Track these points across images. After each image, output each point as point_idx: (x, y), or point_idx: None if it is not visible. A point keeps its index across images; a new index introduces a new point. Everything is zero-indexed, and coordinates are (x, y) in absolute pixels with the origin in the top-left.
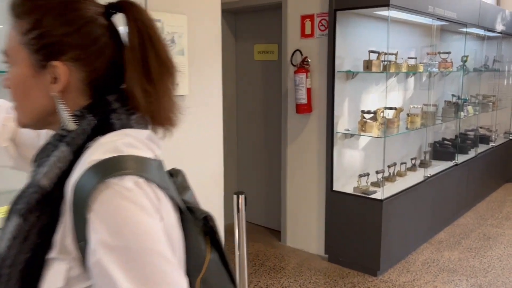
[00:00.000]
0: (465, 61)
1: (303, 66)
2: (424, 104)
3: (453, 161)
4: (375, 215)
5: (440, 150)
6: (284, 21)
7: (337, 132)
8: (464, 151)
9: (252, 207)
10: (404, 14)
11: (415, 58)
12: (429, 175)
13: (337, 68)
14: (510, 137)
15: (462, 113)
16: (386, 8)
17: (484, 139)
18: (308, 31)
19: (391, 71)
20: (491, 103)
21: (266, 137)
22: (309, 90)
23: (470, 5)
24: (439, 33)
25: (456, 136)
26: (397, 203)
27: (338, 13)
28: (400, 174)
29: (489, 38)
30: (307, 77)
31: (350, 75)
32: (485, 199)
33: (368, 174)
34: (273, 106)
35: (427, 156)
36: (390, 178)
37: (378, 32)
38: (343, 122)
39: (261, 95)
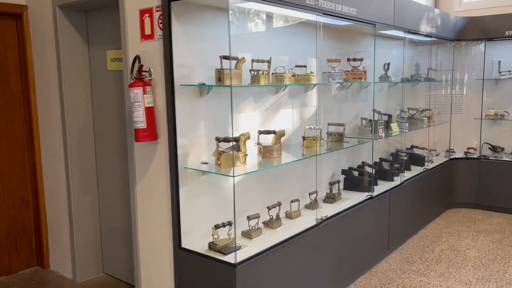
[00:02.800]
0: (387, 69)
1: (140, 78)
2: (330, 124)
3: (367, 193)
4: (228, 286)
5: (354, 179)
6: (122, 18)
7: (185, 168)
8: (388, 178)
9: (112, 258)
10: (270, 6)
11: (305, 66)
12: (323, 217)
13: (179, 81)
14: (452, 156)
15: (381, 132)
16: None
17: (419, 160)
18: (148, 30)
19: (259, 83)
20: (426, 118)
21: (123, 171)
22: (149, 110)
23: (378, 0)
24: (346, 35)
25: (382, 159)
26: (266, 264)
27: (174, 4)
28: (290, 216)
29: (421, 43)
30: (144, 93)
31: (205, 89)
32: (418, 233)
33: (229, 224)
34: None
35: (335, 188)
36: (271, 224)
37: (242, 32)
38: (198, 152)
39: (116, 116)
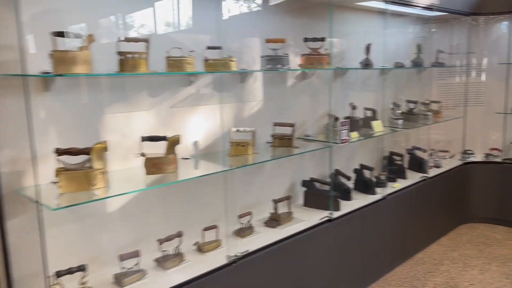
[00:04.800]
0: (368, 51)
1: None
2: (276, 124)
3: (327, 213)
4: None
5: (316, 193)
6: None
7: (20, 192)
8: (369, 190)
9: None
10: None
11: (219, 48)
12: (239, 254)
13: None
14: (469, 159)
15: (345, 135)
16: None
17: (422, 166)
18: None
19: (131, 70)
20: (430, 113)
21: None
22: None
23: None
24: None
25: (362, 166)
26: None
27: None
28: (202, 249)
29: (424, 19)
30: None
31: (52, 80)
32: (413, 258)
33: (81, 269)
34: None
35: (283, 206)
36: (164, 263)
37: None
38: (46, 169)
39: None
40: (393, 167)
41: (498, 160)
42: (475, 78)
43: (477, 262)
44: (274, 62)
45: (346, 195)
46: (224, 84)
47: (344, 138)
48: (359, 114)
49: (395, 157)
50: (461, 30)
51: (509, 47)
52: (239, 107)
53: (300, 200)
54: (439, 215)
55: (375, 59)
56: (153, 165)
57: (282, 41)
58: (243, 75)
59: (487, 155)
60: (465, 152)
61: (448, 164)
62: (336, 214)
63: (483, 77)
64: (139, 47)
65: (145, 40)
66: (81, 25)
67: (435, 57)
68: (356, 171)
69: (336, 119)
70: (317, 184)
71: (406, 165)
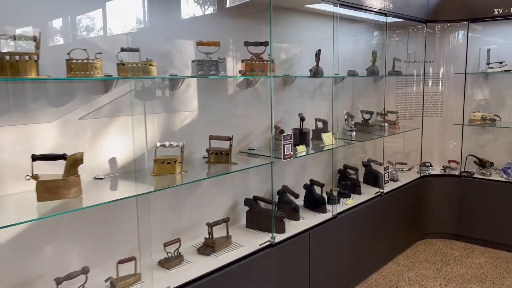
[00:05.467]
0: (318, 58)
1: None
2: (212, 137)
3: (268, 239)
4: None
5: (259, 213)
6: None
7: None
8: (319, 208)
9: None
10: None
11: (137, 50)
12: None
13: None
14: (427, 172)
15: (289, 150)
16: None
17: (377, 179)
18: None
19: (13, 75)
20: (387, 124)
21: None
22: None
23: None
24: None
25: (312, 182)
26: None
27: None
28: (115, 286)
29: (379, 25)
30: None
31: None
32: (367, 280)
33: None
34: None
35: (220, 230)
36: None
37: None
38: None
39: None
40: (347, 182)
41: (456, 173)
42: (433, 87)
43: (433, 284)
44: (206, 67)
45: (294, 215)
46: (149, 91)
47: (287, 153)
48: (310, 125)
49: (349, 171)
50: (418, 38)
51: (466, 55)
52: (168, 118)
53: (244, 220)
54: (396, 232)
55: (329, 67)
56: (46, 189)
57: (215, 44)
58: (173, 81)
59: (445, 167)
60: (423, 165)
61: (405, 177)
62: (280, 236)
63: (441, 87)
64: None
65: (34, 39)
66: None
67: (391, 65)
68: (306, 187)
69: (281, 131)
70: (262, 203)
71: (361, 179)
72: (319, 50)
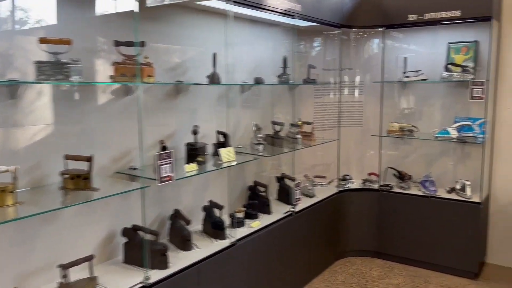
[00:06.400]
0: (214, 63)
1: None
2: (67, 157)
3: (150, 272)
4: None
5: (138, 245)
6: None
7: None
8: (217, 234)
9: None
10: None
11: None
12: None
13: None
14: (346, 186)
15: (169, 170)
16: None
17: (290, 196)
18: None
19: None
20: (299, 136)
21: None
22: None
23: None
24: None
25: (212, 204)
26: None
27: None
28: None
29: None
30: None
31: None
32: None
33: None
34: None
35: (84, 272)
36: None
37: None
38: None
39: None
40: (254, 201)
41: (375, 187)
42: (351, 97)
43: None
44: (52, 70)
45: (185, 244)
46: None
47: (165, 175)
48: (212, 139)
49: (259, 188)
50: (335, 44)
51: (382, 64)
52: (5, 135)
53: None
54: (311, 253)
55: (236, 73)
56: None
57: (65, 42)
58: (12, 88)
59: (365, 181)
60: (343, 178)
61: (324, 192)
62: (161, 274)
63: (360, 96)
64: None
65: None
66: None
67: (306, 73)
68: (205, 209)
69: (164, 148)
70: (143, 233)
71: (275, 196)
72: (215, 54)
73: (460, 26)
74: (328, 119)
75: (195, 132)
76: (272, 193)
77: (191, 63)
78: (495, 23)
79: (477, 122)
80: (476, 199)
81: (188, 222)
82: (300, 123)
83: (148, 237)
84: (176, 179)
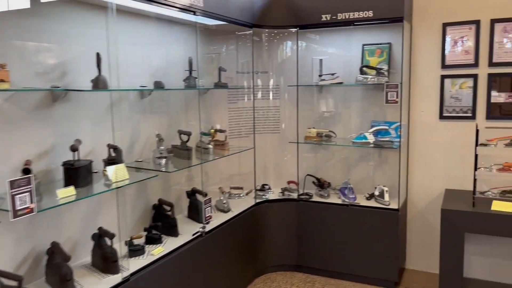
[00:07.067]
0: (99, 65)
1: None
2: None
3: None
4: None
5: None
6: None
7: None
8: (109, 268)
9: None
10: None
11: None
12: None
13: None
14: (264, 197)
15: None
16: None
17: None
18: None
19: None
20: (211, 146)
21: None
22: None
23: None
24: None
25: (101, 232)
26: None
27: None
28: None
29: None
30: None
31: None
32: None
33: None
34: None
35: None
36: None
37: None
38: None
39: None
40: (157, 223)
41: (295, 196)
42: (266, 102)
43: None
44: None
45: (64, 285)
46: None
47: (22, 207)
48: (103, 154)
49: (165, 207)
50: (247, 46)
51: (297, 66)
52: None
53: None
54: (228, 273)
55: (133, 76)
56: None
57: None
58: None
59: (284, 190)
60: (261, 188)
61: (240, 204)
62: None
63: (275, 100)
64: None
65: None
66: None
67: (217, 76)
68: (94, 238)
69: (26, 171)
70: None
71: (186, 213)
72: (98, 54)
73: (374, 27)
74: (244, 125)
75: (74, 149)
76: (184, 210)
77: (71, 65)
78: (407, 24)
79: (393, 126)
80: (394, 205)
81: (67, 258)
82: (212, 131)
83: (11, 284)
84: (40, 211)
